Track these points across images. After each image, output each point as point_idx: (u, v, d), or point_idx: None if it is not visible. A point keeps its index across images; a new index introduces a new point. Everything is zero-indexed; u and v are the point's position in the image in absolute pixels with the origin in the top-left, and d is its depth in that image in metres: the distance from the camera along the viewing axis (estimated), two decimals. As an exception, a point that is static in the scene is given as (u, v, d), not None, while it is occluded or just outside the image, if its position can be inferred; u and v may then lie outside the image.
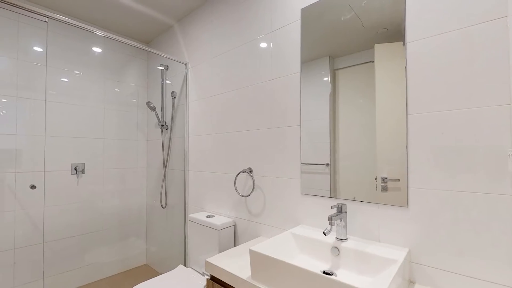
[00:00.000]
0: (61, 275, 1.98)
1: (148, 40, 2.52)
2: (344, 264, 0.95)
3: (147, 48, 1.78)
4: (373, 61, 1.01)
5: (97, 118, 2.20)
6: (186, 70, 2.02)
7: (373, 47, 1.01)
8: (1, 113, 1.72)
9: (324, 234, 0.93)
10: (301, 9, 1.26)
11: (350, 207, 1.08)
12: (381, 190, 0.98)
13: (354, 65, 1.07)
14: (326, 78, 1.16)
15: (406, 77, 0.94)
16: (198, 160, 1.89)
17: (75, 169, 2.06)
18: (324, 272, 0.94)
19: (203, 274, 1.56)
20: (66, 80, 2.03)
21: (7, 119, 1.74)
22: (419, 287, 0.87)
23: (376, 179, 1.00)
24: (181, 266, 1.67)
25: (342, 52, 1.11)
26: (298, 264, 0.78)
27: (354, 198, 1.06)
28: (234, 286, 0.98)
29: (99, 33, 1.54)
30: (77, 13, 2.04)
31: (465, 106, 0.82)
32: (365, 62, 1.03)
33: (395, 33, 0.96)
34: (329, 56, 1.15)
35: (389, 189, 0.96)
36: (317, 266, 1.00)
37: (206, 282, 1.34)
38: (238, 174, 1.49)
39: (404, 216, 0.93)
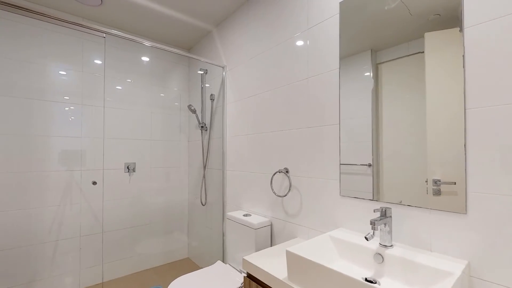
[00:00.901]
0: (116, 262, 2.22)
1: (189, 46, 2.67)
2: (389, 273, 0.88)
3: (188, 54, 1.89)
4: (423, 52, 0.92)
5: (145, 121, 2.41)
6: (223, 73, 2.09)
7: (423, 36, 0.92)
8: (70, 119, 2.00)
9: (366, 239, 0.88)
10: (340, 2, 1.20)
11: (395, 211, 0.99)
12: (433, 194, 0.89)
13: (400, 57, 0.98)
14: (367, 73, 1.09)
15: (463, 67, 0.83)
16: (235, 160, 1.94)
17: (128, 167, 2.29)
18: (366, 280, 0.89)
19: (240, 271, 1.60)
20: (120, 87, 2.27)
21: (74, 124, 2.02)
22: (482, 306, 0.77)
23: (427, 181, 0.90)
24: (219, 262, 1.73)
25: (386, 44, 1.03)
26: (338, 269, 0.75)
27: (401, 202, 0.97)
28: (270, 286, 0.98)
29: (147, 43, 1.68)
30: (128, 27, 2.26)
31: (542, 97, 0.69)
32: (413, 53, 0.95)
33: (450, 18, 0.86)
34: (371, 50, 1.08)
35: (443, 193, 0.86)
36: (358, 272, 0.94)
37: (243, 279, 1.36)
38: (274, 174, 1.49)
39: (461, 224, 0.83)
